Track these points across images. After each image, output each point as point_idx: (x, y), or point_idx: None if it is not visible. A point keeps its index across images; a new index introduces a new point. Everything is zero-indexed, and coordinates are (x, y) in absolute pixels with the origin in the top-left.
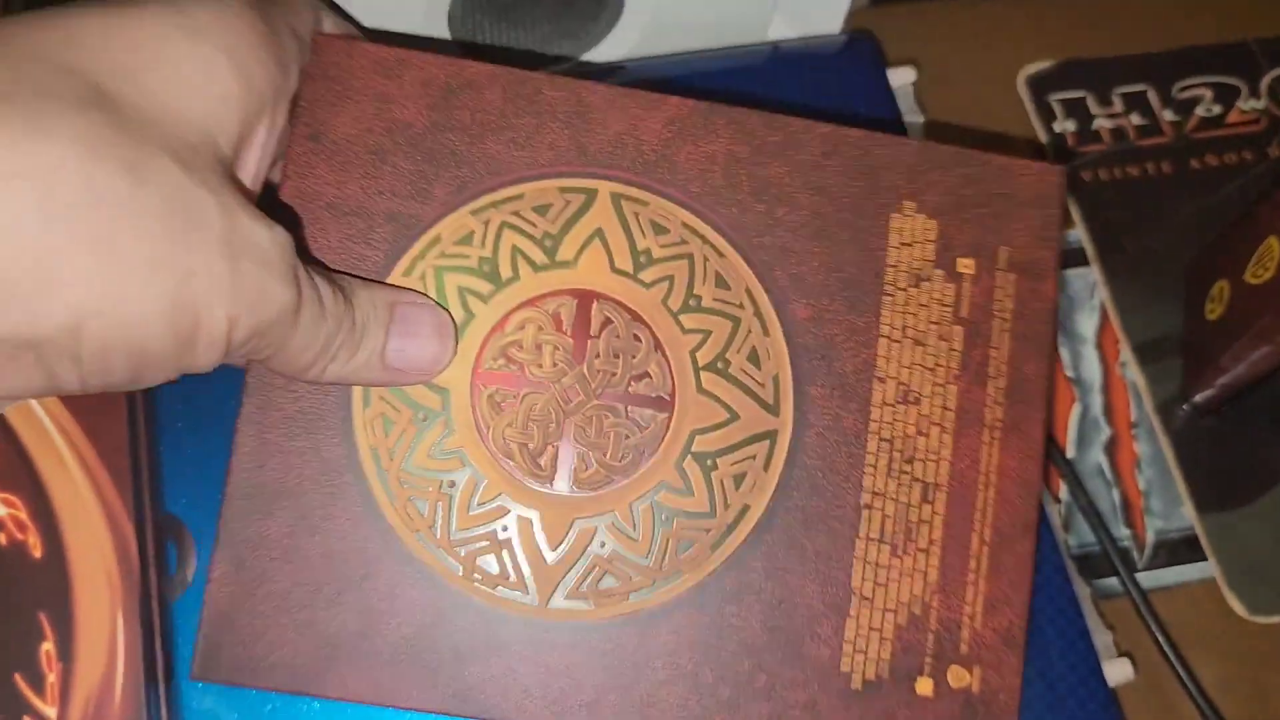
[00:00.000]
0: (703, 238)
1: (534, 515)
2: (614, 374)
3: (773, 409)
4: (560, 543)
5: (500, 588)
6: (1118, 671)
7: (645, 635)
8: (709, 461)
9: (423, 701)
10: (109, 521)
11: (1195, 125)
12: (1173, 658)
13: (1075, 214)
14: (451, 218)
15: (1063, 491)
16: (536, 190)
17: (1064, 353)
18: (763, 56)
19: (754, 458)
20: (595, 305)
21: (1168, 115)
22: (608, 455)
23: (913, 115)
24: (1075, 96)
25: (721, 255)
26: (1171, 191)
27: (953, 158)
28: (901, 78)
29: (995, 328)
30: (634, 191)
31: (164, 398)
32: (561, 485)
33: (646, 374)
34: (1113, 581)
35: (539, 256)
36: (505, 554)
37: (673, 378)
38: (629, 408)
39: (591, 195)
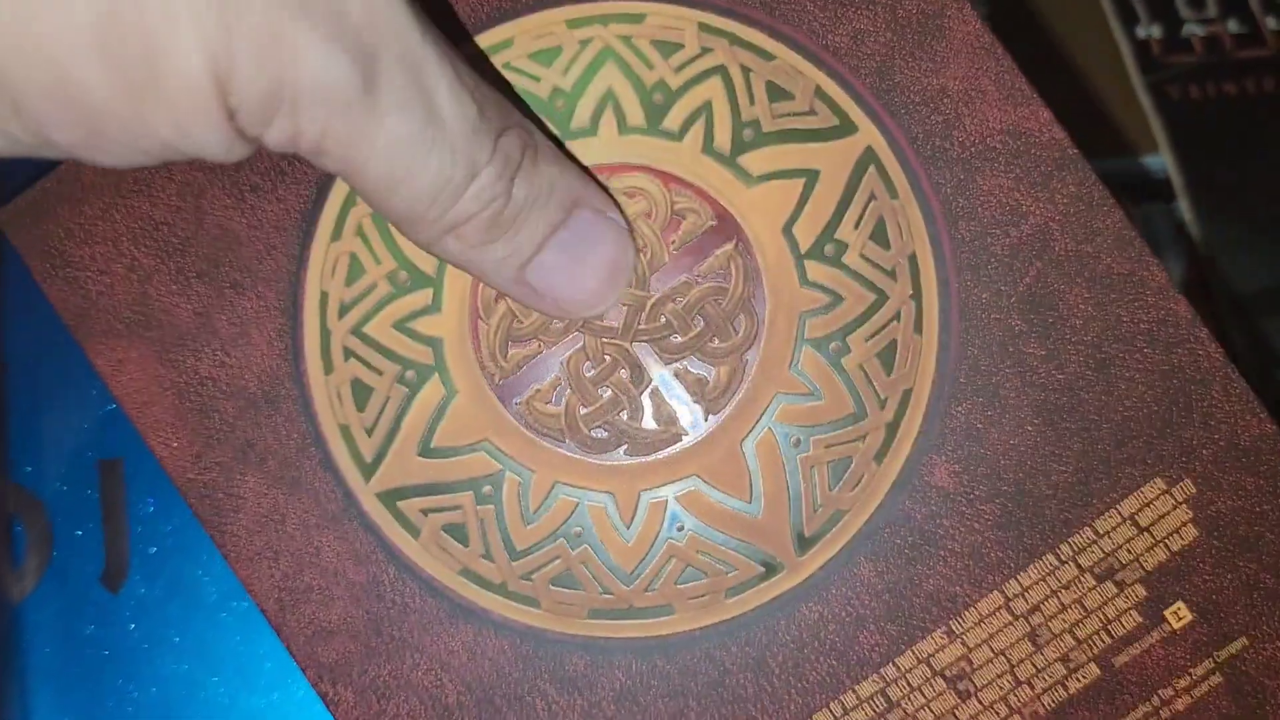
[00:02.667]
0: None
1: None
2: (673, 340)
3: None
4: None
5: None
6: None
7: None
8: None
9: (171, 458)
10: None
11: None
12: None
13: (1160, 136)
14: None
15: None
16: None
17: None
18: None
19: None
20: (733, 246)
21: (1271, 23)
22: (581, 411)
23: None
24: None
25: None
26: (1275, 115)
27: None
28: None
29: (1137, 699)
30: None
31: (16, 338)
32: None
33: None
34: None
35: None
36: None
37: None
38: (659, 385)
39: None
